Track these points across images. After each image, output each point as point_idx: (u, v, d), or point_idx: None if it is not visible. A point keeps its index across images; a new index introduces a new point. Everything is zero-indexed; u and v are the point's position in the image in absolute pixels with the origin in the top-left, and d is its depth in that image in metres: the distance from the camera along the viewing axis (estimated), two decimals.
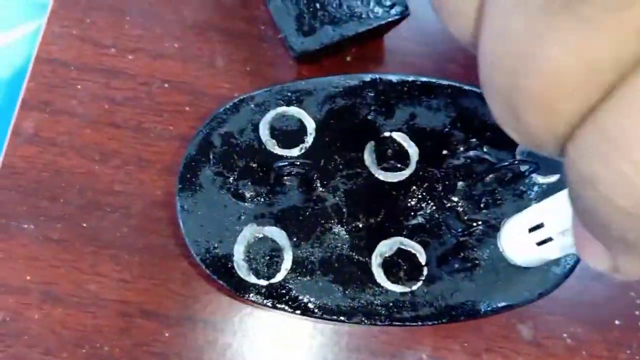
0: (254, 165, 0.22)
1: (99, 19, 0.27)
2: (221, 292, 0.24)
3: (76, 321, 0.24)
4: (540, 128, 0.09)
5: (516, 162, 0.21)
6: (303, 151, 0.22)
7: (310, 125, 0.22)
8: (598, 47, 0.08)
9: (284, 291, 0.21)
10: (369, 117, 0.23)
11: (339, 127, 0.23)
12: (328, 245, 0.21)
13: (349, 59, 0.28)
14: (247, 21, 0.28)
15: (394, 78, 0.23)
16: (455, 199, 0.22)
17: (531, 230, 0.20)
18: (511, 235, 0.21)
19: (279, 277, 0.21)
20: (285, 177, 0.21)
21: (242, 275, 0.20)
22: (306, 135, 0.22)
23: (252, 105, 0.22)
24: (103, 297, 0.24)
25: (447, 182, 0.22)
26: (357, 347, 0.24)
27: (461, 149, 0.23)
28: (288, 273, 0.21)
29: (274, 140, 0.22)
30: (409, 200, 0.22)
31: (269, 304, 0.20)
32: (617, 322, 0.25)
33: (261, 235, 0.21)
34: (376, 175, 0.22)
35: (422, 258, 0.21)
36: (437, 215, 0.22)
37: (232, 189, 0.21)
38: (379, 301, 0.21)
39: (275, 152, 0.22)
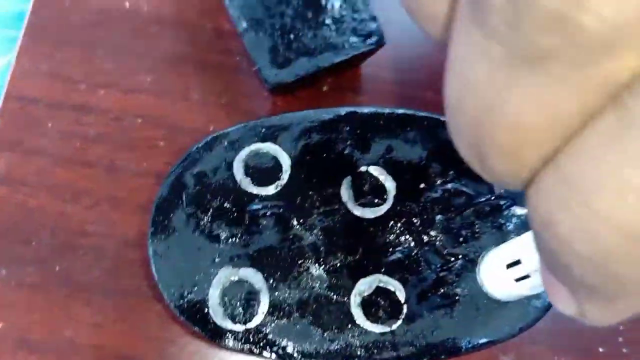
0: (229, 205, 0.21)
1: (69, 54, 0.27)
2: (198, 335, 0.23)
3: None
4: (504, 172, 0.09)
5: (493, 197, 0.21)
6: (279, 189, 0.22)
7: (286, 161, 0.22)
8: (563, 101, 0.08)
9: (261, 336, 0.20)
10: (345, 152, 0.23)
11: (315, 163, 0.22)
12: (306, 286, 0.21)
13: (326, 88, 0.28)
14: (222, 53, 0.27)
15: (369, 111, 0.23)
16: (433, 233, 0.22)
17: (509, 266, 0.20)
18: (490, 270, 0.21)
19: (255, 322, 0.20)
20: (261, 217, 0.21)
21: (217, 321, 0.20)
22: (281, 172, 0.22)
23: (226, 143, 0.22)
24: (78, 343, 0.23)
25: (425, 216, 0.22)
26: None
27: (439, 181, 0.23)
28: (265, 317, 0.20)
29: (248, 179, 0.22)
30: (387, 236, 0.22)
31: (246, 350, 0.20)
32: (601, 349, 0.25)
33: (237, 278, 0.20)
34: (353, 211, 0.22)
35: (402, 295, 0.21)
36: (415, 251, 0.22)
37: (206, 231, 0.21)
38: (359, 342, 0.20)
39: (250, 190, 0.21)
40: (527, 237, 0.19)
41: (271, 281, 0.21)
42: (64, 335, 0.23)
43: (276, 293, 0.20)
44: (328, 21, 0.26)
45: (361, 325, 0.21)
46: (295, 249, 0.21)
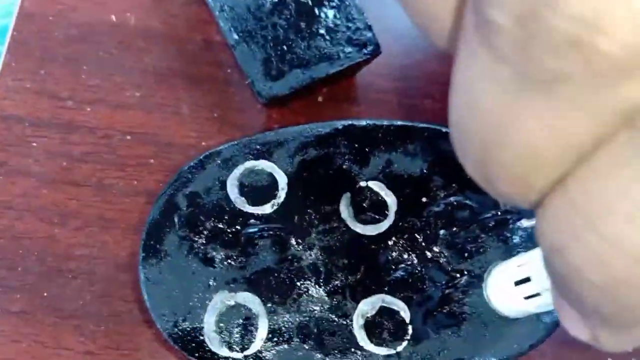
0: (223, 226, 0.20)
1: (54, 70, 0.26)
2: None
3: None
4: (512, 195, 0.09)
5: (499, 213, 0.20)
6: (275, 207, 0.21)
7: (282, 179, 0.21)
8: (575, 125, 0.08)
9: None
10: (344, 167, 0.22)
11: (313, 179, 0.21)
12: (306, 309, 0.20)
13: (321, 99, 0.27)
14: (212, 65, 0.27)
15: (367, 123, 0.22)
16: (437, 249, 0.21)
17: (517, 283, 0.19)
18: (497, 286, 0.20)
19: (254, 348, 0.19)
20: (258, 237, 0.20)
21: (214, 349, 0.19)
22: (278, 190, 0.21)
23: (219, 161, 0.21)
24: None
25: (428, 232, 0.21)
26: None
27: (441, 195, 0.22)
28: (264, 343, 0.19)
29: (243, 198, 0.21)
30: (390, 253, 0.21)
31: None
32: (609, 359, 0.25)
33: (233, 303, 0.20)
34: (354, 228, 0.21)
35: (406, 315, 0.20)
36: (419, 268, 0.21)
37: (200, 254, 0.20)
38: None
39: (245, 210, 0.21)
40: (537, 253, 0.19)
41: (269, 305, 0.20)
42: None
43: (275, 317, 0.20)
44: (322, 31, 0.25)
45: (365, 348, 0.20)
46: (294, 270, 0.20)
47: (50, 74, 0.26)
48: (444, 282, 0.21)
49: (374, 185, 0.22)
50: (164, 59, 0.26)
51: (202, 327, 0.19)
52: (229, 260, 0.20)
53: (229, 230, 0.20)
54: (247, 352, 0.19)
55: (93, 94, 0.25)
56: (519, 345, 0.20)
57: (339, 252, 0.21)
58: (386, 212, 0.21)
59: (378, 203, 0.22)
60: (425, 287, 0.21)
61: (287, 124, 0.24)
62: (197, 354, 0.19)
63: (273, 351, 0.19)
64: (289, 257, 0.20)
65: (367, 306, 0.20)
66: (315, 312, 0.20)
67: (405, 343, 0.20)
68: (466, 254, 0.21)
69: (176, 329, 0.19)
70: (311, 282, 0.20)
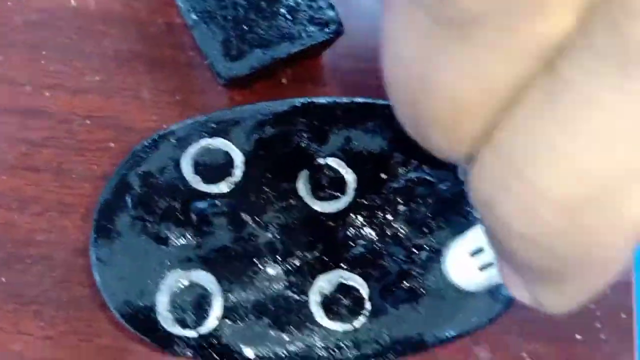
0: (177, 205, 0.20)
1: (13, 56, 0.25)
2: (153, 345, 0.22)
3: None
4: (446, 149, 0.09)
5: (459, 187, 0.20)
6: (231, 186, 0.21)
7: (238, 157, 0.21)
8: (495, 69, 0.07)
9: (215, 341, 0.19)
10: (302, 145, 0.21)
11: (270, 157, 0.21)
12: (262, 287, 0.20)
13: (285, 81, 0.27)
14: (174, 48, 0.26)
15: (327, 101, 0.22)
16: (397, 225, 0.21)
17: (473, 254, 0.19)
18: (455, 260, 0.20)
19: (208, 327, 0.19)
20: (213, 216, 0.20)
21: (167, 328, 0.19)
22: (233, 169, 0.21)
23: (173, 141, 0.21)
24: (28, 358, 0.22)
25: (387, 208, 0.21)
26: None
27: (401, 171, 0.22)
28: (219, 321, 0.19)
29: (198, 177, 0.20)
30: (348, 230, 0.21)
31: (200, 357, 0.19)
32: (578, 336, 0.24)
33: (187, 282, 0.19)
34: (312, 205, 0.21)
35: (365, 291, 0.20)
36: (378, 244, 0.21)
37: (153, 234, 0.20)
38: (320, 342, 0.19)
39: (200, 189, 0.20)
40: None
41: (225, 283, 0.19)
42: (13, 350, 0.22)
43: (230, 295, 0.19)
44: (283, 10, 0.25)
45: (322, 324, 0.19)
46: (250, 248, 0.20)
47: (9, 60, 0.25)
48: (403, 258, 0.21)
49: (333, 162, 0.21)
50: (124, 42, 0.26)
51: (156, 306, 0.19)
52: (183, 240, 0.20)
53: (183, 209, 0.20)
54: (201, 331, 0.19)
55: (52, 79, 0.25)
56: (478, 319, 0.20)
57: (297, 230, 0.20)
58: (345, 189, 0.21)
59: (337, 180, 0.21)
60: (384, 262, 0.21)
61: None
62: (150, 334, 0.19)
63: (228, 329, 0.19)
64: (245, 236, 0.20)
65: (325, 283, 0.20)
66: (272, 289, 0.20)
67: (363, 319, 0.20)
68: (426, 230, 0.21)
69: (128, 308, 0.19)
70: (268, 259, 0.20)
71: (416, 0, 0.07)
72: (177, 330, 0.19)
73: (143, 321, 0.19)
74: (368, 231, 0.21)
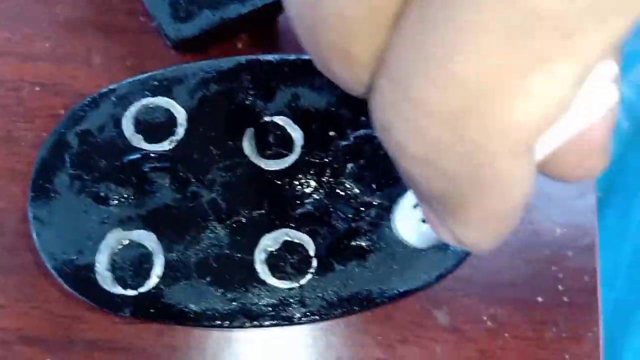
0: (117, 164, 0.20)
1: None
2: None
3: None
4: (347, 77, 0.09)
5: None
6: (173, 144, 0.20)
7: (181, 115, 0.20)
8: None
9: (155, 300, 0.19)
10: (247, 102, 0.21)
11: (214, 115, 0.21)
12: (205, 245, 0.19)
13: (240, 45, 0.26)
14: (126, 13, 0.26)
15: (273, 58, 0.22)
16: (345, 182, 0.21)
17: (415, 206, 0.18)
18: (401, 215, 0.19)
19: (149, 285, 0.19)
20: (155, 174, 0.20)
21: (106, 287, 0.18)
22: (176, 127, 0.20)
23: (114, 99, 0.20)
24: None
25: (335, 166, 0.21)
26: (252, 354, 0.22)
27: (349, 128, 0.21)
28: (160, 280, 0.19)
29: (139, 135, 0.20)
30: (295, 188, 0.20)
31: (141, 316, 0.18)
32: (539, 299, 0.24)
33: (127, 241, 0.19)
34: (257, 163, 0.20)
35: (311, 249, 0.20)
36: (326, 202, 0.20)
37: (92, 193, 0.19)
38: (264, 300, 0.19)
39: (141, 147, 0.20)
40: None
41: (166, 242, 0.19)
42: None
43: (172, 254, 0.19)
44: None
45: (267, 282, 0.19)
46: (193, 207, 0.20)
47: None
48: (351, 215, 0.20)
49: (280, 120, 0.21)
50: (75, 8, 0.26)
51: (94, 266, 0.18)
52: (124, 199, 0.19)
53: (123, 168, 0.20)
54: (141, 289, 0.19)
55: (1, 47, 0.25)
56: (428, 275, 0.20)
57: (242, 188, 0.20)
58: (292, 147, 0.21)
59: (283, 138, 0.21)
60: (332, 220, 0.20)
61: None
62: (89, 294, 0.18)
63: (170, 287, 0.19)
64: (188, 195, 0.20)
65: (270, 241, 0.20)
66: (216, 248, 0.19)
67: (308, 276, 0.19)
68: (375, 187, 0.21)
69: (66, 268, 0.18)
70: (211, 218, 0.20)
71: None
72: (117, 289, 0.18)
73: (82, 281, 0.18)
74: (316, 189, 0.20)
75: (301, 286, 0.19)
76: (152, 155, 0.20)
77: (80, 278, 0.18)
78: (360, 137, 0.21)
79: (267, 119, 0.21)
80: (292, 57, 0.22)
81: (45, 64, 0.25)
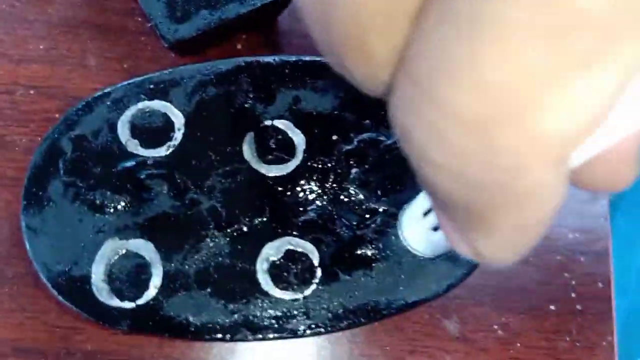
0: (114, 170, 0.19)
1: None
2: None
3: None
4: (363, 75, 0.08)
5: None
6: (171, 150, 0.19)
7: (178, 120, 0.20)
8: None
9: (154, 312, 0.18)
10: (247, 106, 0.20)
11: (212, 119, 0.20)
12: (205, 255, 0.19)
13: (240, 46, 0.25)
14: (122, 14, 0.25)
15: (273, 60, 0.21)
16: (349, 188, 0.20)
17: (425, 214, 0.17)
18: (410, 223, 0.19)
19: (147, 297, 0.18)
20: (152, 181, 0.19)
21: (102, 299, 0.18)
22: (174, 132, 0.20)
23: (109, 103, 0.19)
24: None
25: (339, 171, 0.20)
26: None
27: (353, 132, 0.20)
28: (158, 291, 0.18)
29: (136, 141, 0.19)
30: (297, 194, 0.20)
31: (138, 329, 0.18)
32: (552, 307, 0.23)
33: (124, 251, 0.18)
34: (258, 169, 0.20)
35: (315, 258, 0.19)
36: (330, 209, 0.20)
37: (87, 200, 0.18)
38: (267, 312, 0.18)
39: (138, 153, 0.19)
40: None
41: (165, 252, 0.18)
42: None
43: (171, 264, 0.18)
44: None
45: (270, 293, 0.18)
46: (192, 215, 0.19)
47: None
48: (356, 223, 0.19)
49: (281, 123, 0.20)
50: (69, 9, 0.25)
51: (90, 277, 0.18)
52: (120, 207, 0.19)
53: (119, 175, 0.19)
54: (139, 301, 0.18)
55: None
56: (437, 285, 0.19)
57: (242, 195, 0.19)
58: (293, 151, 0.20)
59: (285, 142, 0.20)
60: (336, 228, 0.19)
61: None
62: (84, 306, 0.18)
63: (169, 299, 0.18)
64: (187, 202, 0.19)
65: (272, 250, 0.19)
66: (216, 257, 0.19)
67: (313, 287, 0.19)
68: (380, 193, 0.20)
69: (61, 279, 0.18)
70: (211, 226, 0.19)
71: None
72: (114, 302, 0.18)
73: (78, 292, 0.18)
74: (319, 195, 0.20)
75: (305, 297, 0.18)
76: (149, 161, 0.19)
77: (76, 290, 0.18)
78: (365, 141, 0.20)
79: (267, 122, 0.20)
80: (293, 58, 0.21)
81: (40, 66, 0.24)
